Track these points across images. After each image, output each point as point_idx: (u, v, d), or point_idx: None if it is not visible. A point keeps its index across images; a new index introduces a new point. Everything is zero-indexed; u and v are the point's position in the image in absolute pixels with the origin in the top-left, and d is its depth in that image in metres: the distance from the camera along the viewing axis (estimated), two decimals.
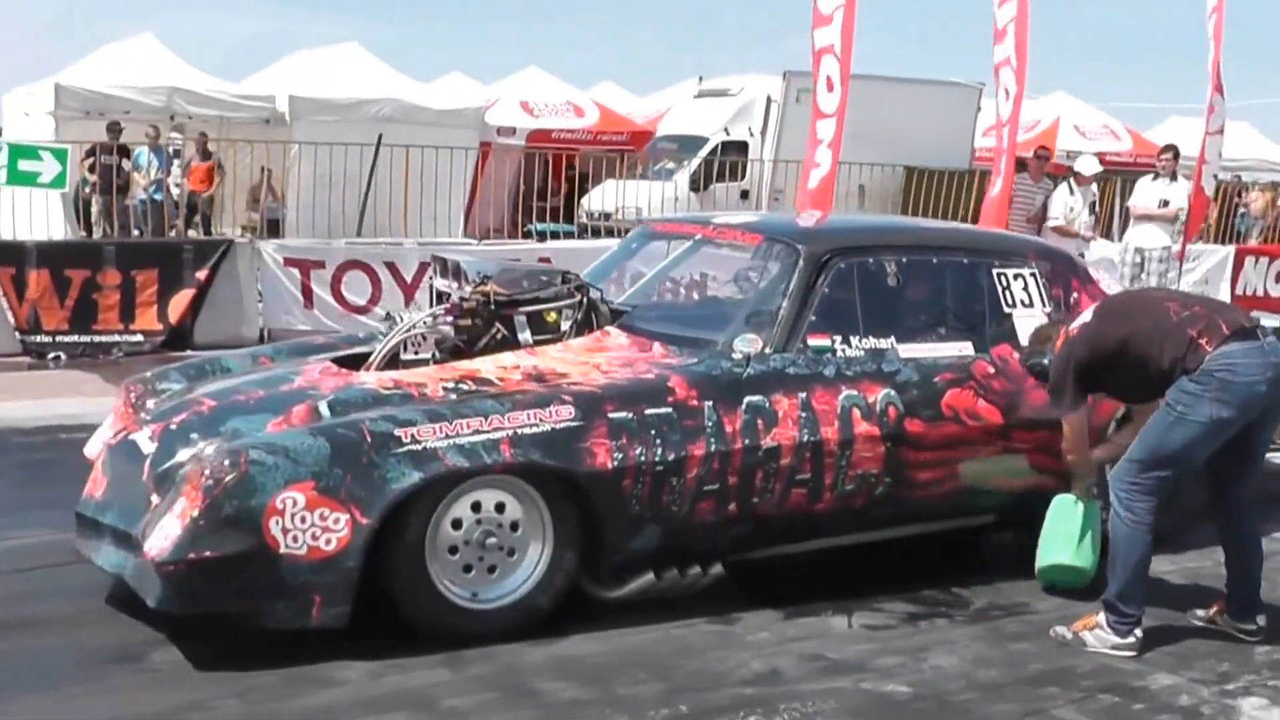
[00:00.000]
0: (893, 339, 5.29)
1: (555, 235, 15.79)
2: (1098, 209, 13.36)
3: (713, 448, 4.80)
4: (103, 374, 9.53)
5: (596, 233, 16.62)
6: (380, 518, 4.30)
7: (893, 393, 5.17)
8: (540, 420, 4.56)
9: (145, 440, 4.78)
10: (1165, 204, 12.11)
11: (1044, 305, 5.64)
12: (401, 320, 5.35)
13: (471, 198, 17.37)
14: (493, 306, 5.27)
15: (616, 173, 17.16)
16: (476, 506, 4.57)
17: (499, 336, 5.28)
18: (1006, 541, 5.94)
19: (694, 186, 18.78)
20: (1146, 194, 12.37)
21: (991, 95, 22.60)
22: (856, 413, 5.07)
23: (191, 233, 14.92)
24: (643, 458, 4.67)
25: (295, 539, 4.22)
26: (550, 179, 16.82)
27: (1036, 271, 5.73)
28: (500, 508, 4.61)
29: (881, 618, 5.00)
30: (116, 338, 10.33)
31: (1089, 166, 12.63)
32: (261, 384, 5.05)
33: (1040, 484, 5.51)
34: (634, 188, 17.14)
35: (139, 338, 10.34)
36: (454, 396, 4.71)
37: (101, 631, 4.63)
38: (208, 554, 4.18)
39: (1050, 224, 12.20)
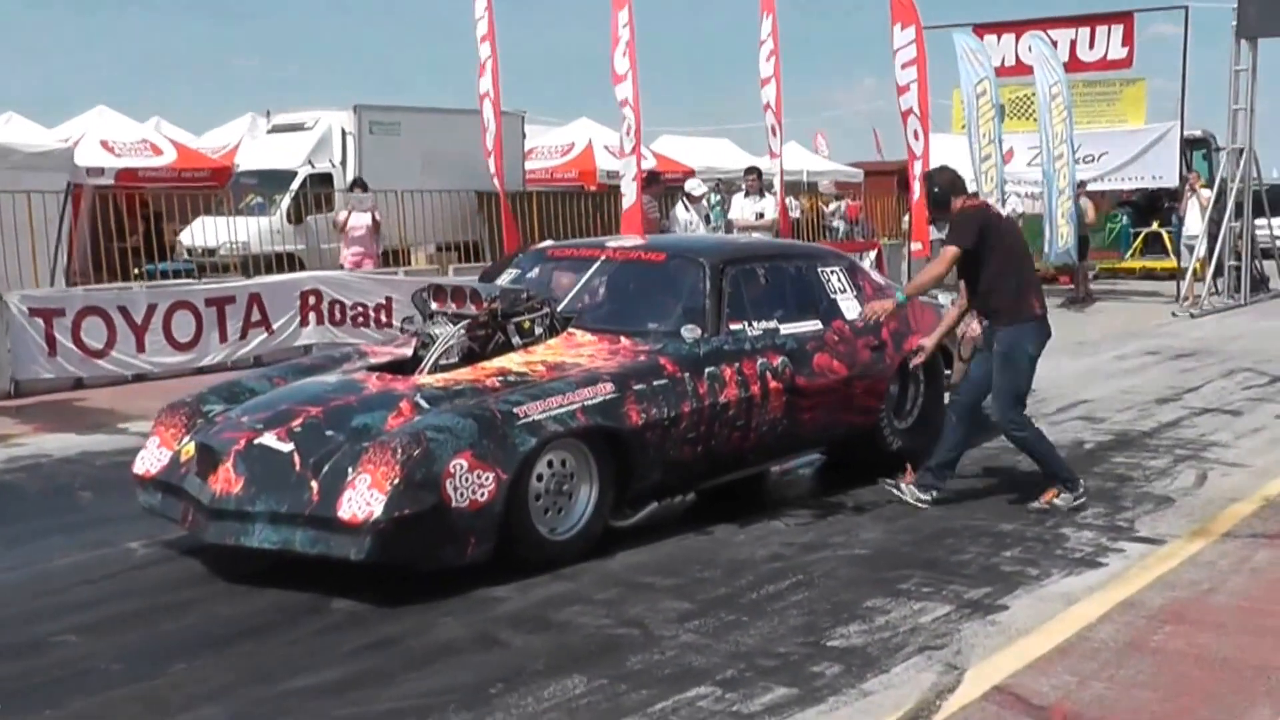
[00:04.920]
0: (775, 320, 7.27)
1: (177, 274, 16.35)
2: (713, 221, 15.88)
3: (693, 406, 6.59)
4: None
5: (215, 269, 17.28)
6: (514, 473, 5.77)
7: (786, 359, 7.14)
8: (596, 394, 6.18)
9: (275, 442, 5.91)
10: (761, 216, 14.81)
11: (852, 290, 7.82)
12: (437, 336, 6.70)
13: (71, 241, 17.47)
14: (499, 319, 6.76)
15: (201, 209, 17.66)
16: (550, 463, 6.11)
17: (499, 341, 6.78)
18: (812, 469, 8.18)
19: (291, 218, 19.67)
20: (743, 209, 15.02)
21: (534, 123, 25.31)
22: (769, 374, 7.01)
23: None
24: (657, 416, 6.39)
25: (462, 495, 5.61)
26: (125, 219, 17.03)
27: (840, 268, 7.92)
28: (563, 463, 6.17)
29: (800, 520, 6.95)
30: None
31: (696, 188, 15.18)
32: (342, 390, 6.27)
33: (858, 420, 7.71)
34: (235, 223, 17.92)
35: None
36: (506, 387, 6.22)
37: (258, 599, 5.68)
38: (407, 511, 5.48)
39: None
